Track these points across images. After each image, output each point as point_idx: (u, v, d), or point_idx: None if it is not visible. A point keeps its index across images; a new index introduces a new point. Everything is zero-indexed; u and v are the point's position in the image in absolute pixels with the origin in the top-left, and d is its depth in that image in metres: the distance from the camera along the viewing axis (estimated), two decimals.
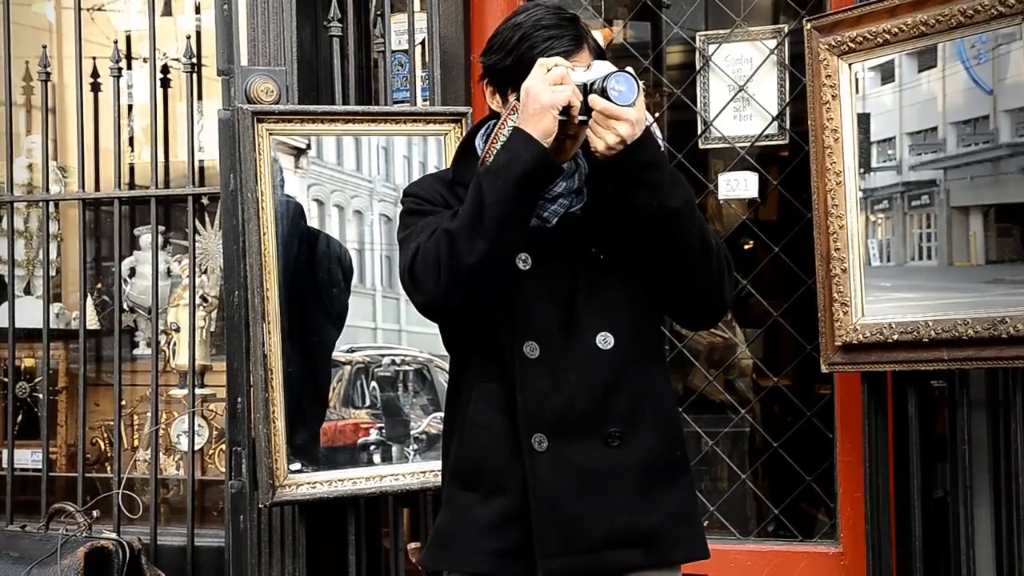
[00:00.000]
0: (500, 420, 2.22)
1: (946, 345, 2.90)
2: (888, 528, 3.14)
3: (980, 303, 2.86)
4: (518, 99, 2.14)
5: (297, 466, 3.26)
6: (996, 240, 2.88)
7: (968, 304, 2.88)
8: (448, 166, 3.26)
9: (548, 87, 2.07)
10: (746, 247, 4.69)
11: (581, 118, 2.10)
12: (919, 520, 3.07)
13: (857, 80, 3.09)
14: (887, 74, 3.06)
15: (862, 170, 3.08)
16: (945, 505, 3.13)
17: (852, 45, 3.06)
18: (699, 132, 3.75)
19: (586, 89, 2.09)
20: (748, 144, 3.70)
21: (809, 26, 3.14)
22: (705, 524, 3.70)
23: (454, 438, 2.31)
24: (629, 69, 2.10)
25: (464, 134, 2.85)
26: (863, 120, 3.10)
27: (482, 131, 2.34)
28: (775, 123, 3.66)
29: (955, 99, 2.95)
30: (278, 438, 3.21)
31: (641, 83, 2.10)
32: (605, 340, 2.21)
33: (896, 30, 2.97)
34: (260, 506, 3.30)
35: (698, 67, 3.77)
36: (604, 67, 2.11)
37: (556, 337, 2.20)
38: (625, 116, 2.06)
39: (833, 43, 3.09)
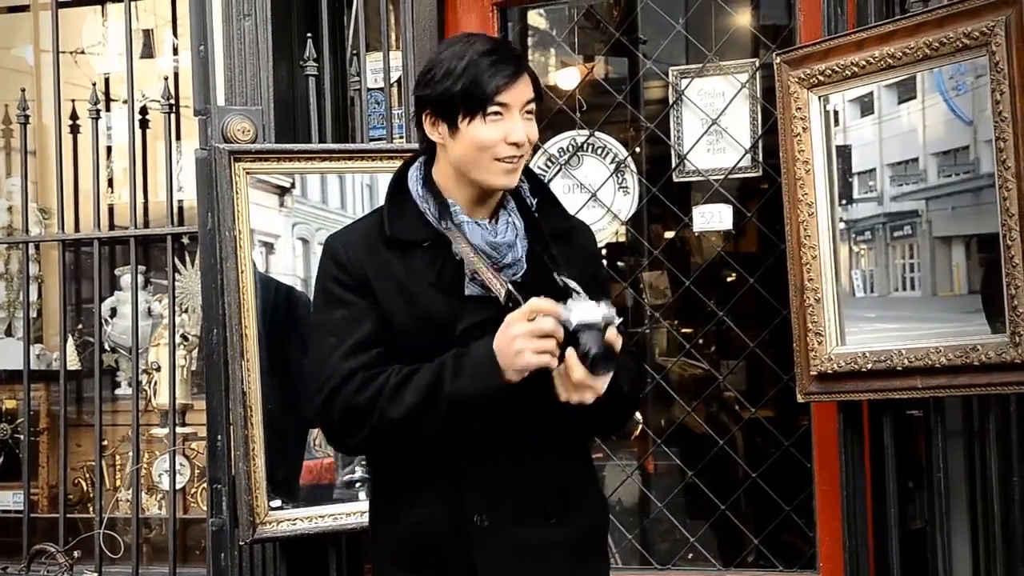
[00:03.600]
0: (442, 498, 2.20)
1: (919, 373, 2.92)
2: (867, 557, 3.15)
3: (961, 332, 2.87)
4: (471, 118, 2.14)
5: (278, 503, 3.26)
6: (979, 270, 2.89)
7: (950, 334, 2.89)
8: None
9: (530, 344, 2.04)
10: (728, 279, 4.72)
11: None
12: (897, 549, 3.08)
13: (836, 112, 3.11)
14: (867, 106, 3.08)
15: (844, 201, 3.10)
16: (925, 534, 3.14)
17: (821, 78, 3.10)
18: (673, 165, 3.79)
19: (565, 333, 2.05)
20: (722, 177, 3.73)
21: (779, 60, 3.18)
22: (690, 556, 3.76)
23: (387, 516, 2.27)
24: (610, 314, 2.07)
25: None
26: (843, 152, 3.13)
27: (414, 170, 2.30)
28: (748, 156, 3.70)
29: (935, 130, 2.96)
30: (258, 475, 3.21)
31: (619, 341, 2.08)
32: (544, 417, 2.17)
33: (864, 63, 3.01)
34: (240, 543, 3.30)
35: (671, 101, 3.81)
36: (581, 309, 2.06)
37: (509, 402, 2.14)
38: (598, 387, 2.07)
39: (803, 76, 3.12)
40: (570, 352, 2.04)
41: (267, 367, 3.26)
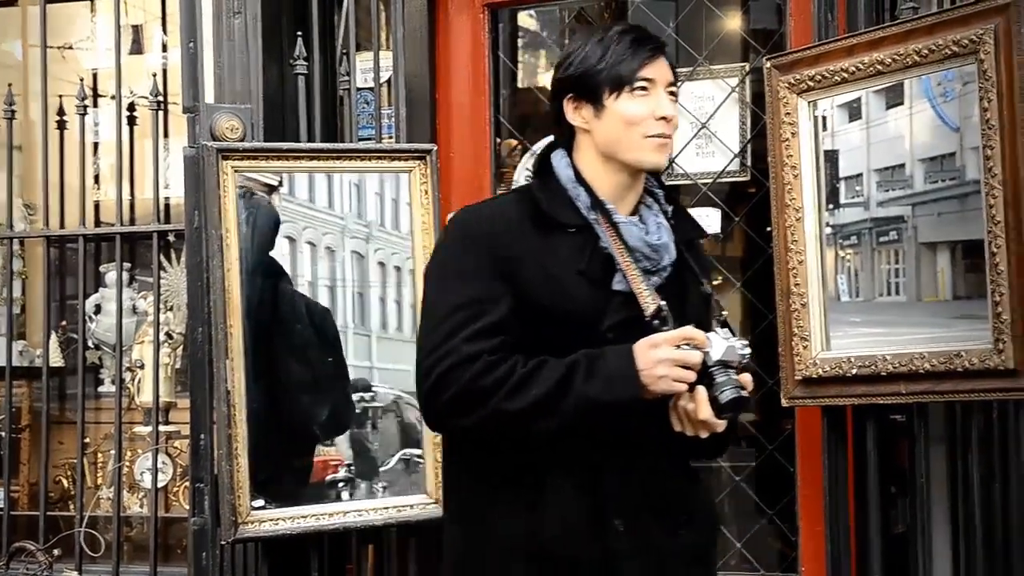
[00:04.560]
0: (581, 498, 2.11)
1: (903, 379, 2.92)
2: (849, 562, 3.15)
3: (945, 338, 2.88)
4: (617, 94, 2.13)
5: (260, 503, 3.24)
6: (963, 276, 2.90)
7: (933, 339, 2.90)
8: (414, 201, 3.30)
9: (672, 372, 2.01)
10: (715, 282, 4.72)
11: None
12: (878, 554, 3.08)
13: (824, 118, 3.12)
14: (855, 112, 3.09)
15: (831, 206, 3.11)
16: (906, 539, 3.14)
17: (811, 83, 3.10)
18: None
19: (703, 367, 2.03)
20: (710, 180, 3.74)
21: (769, 64, 3.18)
22: None
23: (512, 511, 2.13)
24: (745, 353, 2.06)
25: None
26: (831, 157, 3.13)
27: (560, 156, 2.23)
28: (737, 160, 3.70)
29: (922, 136, 2.97)
30: (241, 475, 3.20)
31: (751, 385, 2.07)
32: (667, 427, 2.12)
33: (854, 68, 3.01)
34: (222, 543, 3.29)
35: None
36: (722, 346, 2.04)
37: (637, 414, 2.08)
38: (719, 428, 2.06)
39: (792, 81, 3.13)
40: (701, 391, 2.02)
41: (252, 366, 3.25)
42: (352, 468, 3.38)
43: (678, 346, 2.02)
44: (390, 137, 3.60)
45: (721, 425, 2.05)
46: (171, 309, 4.26)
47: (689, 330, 2.03)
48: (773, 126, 3.18)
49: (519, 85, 4.83)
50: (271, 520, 3.24)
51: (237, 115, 3.38)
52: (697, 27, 3.97)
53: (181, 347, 4.23)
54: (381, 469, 3.40)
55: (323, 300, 3.40)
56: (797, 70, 3.12)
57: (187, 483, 3.96)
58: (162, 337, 4.04)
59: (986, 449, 2.97)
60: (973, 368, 2.78)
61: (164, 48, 4.66)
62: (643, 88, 2.14)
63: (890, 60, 2.94)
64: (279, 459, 3.32)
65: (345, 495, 3.35)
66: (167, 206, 4.30)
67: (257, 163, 3.31)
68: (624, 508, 2.12)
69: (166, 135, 4.30)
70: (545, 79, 4.81)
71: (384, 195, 3.45)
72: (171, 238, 4.14)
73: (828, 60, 3.06)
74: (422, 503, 3.37)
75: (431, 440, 3.36)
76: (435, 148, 3.45)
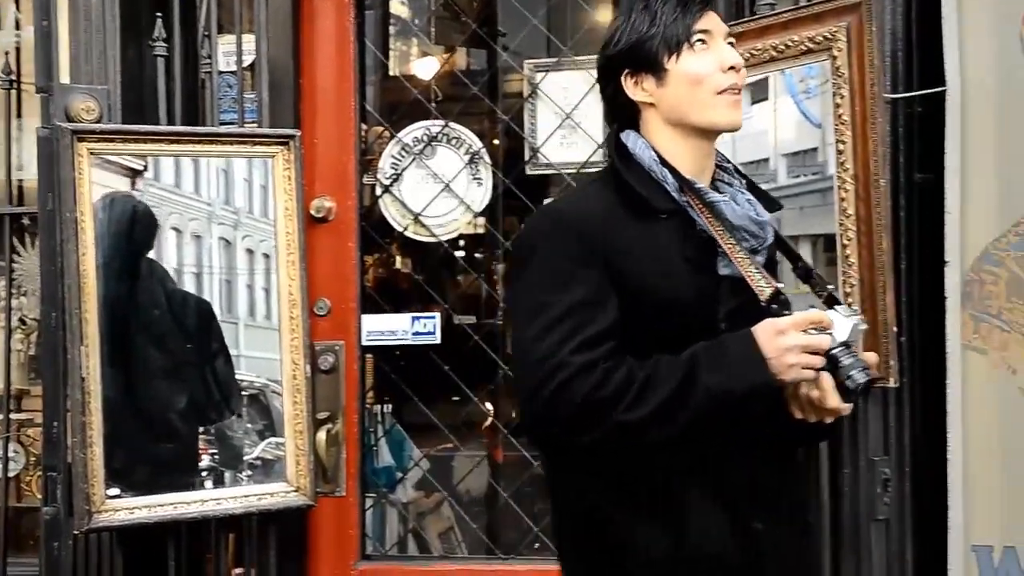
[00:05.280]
0: (721, 504, 2.02)
1: None
2: None
3: None
4: (677, 54, 2.04)
5: (116, 491, 3.18)
6: (825, 269, 2.95)
7: None
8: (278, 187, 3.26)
9: (801, 359, 1.90)
10: None
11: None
12: None
13: None
14: None
15: None
16: None
17: None
18: (527, 158, 3.81)
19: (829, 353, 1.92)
20: (574, 171, 3.76)
21: None
22: (536, 546, 3.78)
23: (648, 526, 2.02)
24: (864, 329, 1.98)
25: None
26: None
27: (634, 137, 2.12)
28: (600, 150, 3.74)
29: (786, 131, 3.04)
30: (95, 463, 3.13)
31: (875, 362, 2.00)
32: (786, 419, 2.04)
33: None
34: (75, 533, 3.21)
35: (526, 95, 3.83)
36: (843, 325, 1.93)
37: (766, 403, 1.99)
38: (844, 413, 1.97)
39: None
40: (827, 377, 1.93)
41: (108, 353, 3.18)
42: (216, 456, 3.34)
43: (804, 331, 1.92)
44: (253, 122, 3.54)
45: (848, 409, 1.96)
46: (25, 294, 4.14)
47: (816, 313, 1.93)
48: None
49: (389, 72, 4.82)
50: (126, 509, 3.18)
51: (93, 96, 3.30)
52: (564, 18, 3.99)
53: (35, 333, 4.12)
54: (245, 458, 3.36)
55: (189, 287, 3.35)
56: None
57: (40, 472, 3.87)
58: (15, 323, 3.92)
59: (836, 437, 3.04)
60: None
61: (17, 25, 4.50)
62: (702, 41, 2.06)
63: (748, 55, 2.99)
64: (135, 447, 3.26)
65: (208, 483, 3.31)
66: (21, 188, 4.17)
67: (114, 146, 3.23)
68: (758, 508, 2.04)
69: (19, 115, 4.16)
70: (415, 67, 4.79)
71: (252, 181, 3.41)
72: (25, 221, 4.00)
73: None
74: (283, 491, 3.33)
75: (293, 428, 3.33)
76: (298, 134, 3.41)
